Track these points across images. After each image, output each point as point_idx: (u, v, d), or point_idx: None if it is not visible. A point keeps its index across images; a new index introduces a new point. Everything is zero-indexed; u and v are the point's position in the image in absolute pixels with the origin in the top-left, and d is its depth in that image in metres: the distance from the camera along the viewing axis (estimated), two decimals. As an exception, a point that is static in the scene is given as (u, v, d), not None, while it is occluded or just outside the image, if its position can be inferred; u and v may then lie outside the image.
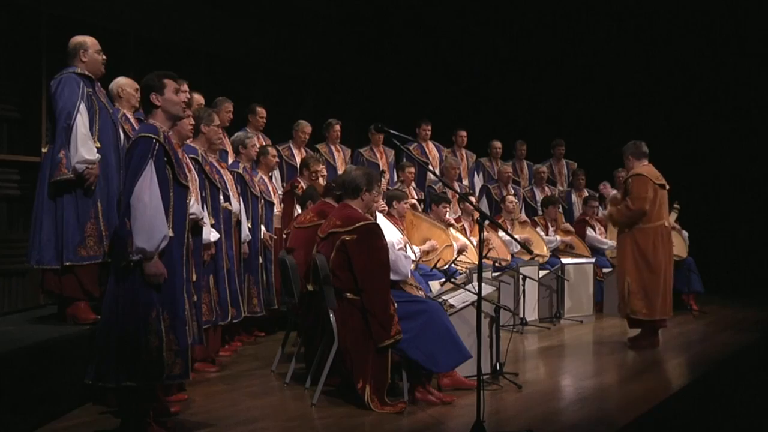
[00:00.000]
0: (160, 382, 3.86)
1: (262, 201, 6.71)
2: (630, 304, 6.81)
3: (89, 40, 4.99)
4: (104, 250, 4.84)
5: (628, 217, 6.82)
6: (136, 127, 4.84)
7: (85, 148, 4.73)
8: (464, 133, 9.99)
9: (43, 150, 5.02)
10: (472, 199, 8.66)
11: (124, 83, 5.41)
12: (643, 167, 6.84)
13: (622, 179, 9.22)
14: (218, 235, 5.40)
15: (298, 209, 7.29)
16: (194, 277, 4.51)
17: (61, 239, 4.77)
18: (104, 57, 5.05)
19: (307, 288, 5.00)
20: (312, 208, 5.80)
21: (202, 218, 4.90)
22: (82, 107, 4.78)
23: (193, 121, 4.95)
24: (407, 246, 6.43)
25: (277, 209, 7.14)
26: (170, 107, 4.00)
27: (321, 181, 7.54)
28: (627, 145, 7.00)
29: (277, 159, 7.36)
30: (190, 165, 4.91)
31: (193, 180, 4.92)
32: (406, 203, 7.08)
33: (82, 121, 4.76)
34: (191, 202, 4.30)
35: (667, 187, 6.90)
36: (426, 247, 7.13)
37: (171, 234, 3.84)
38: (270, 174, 7.29)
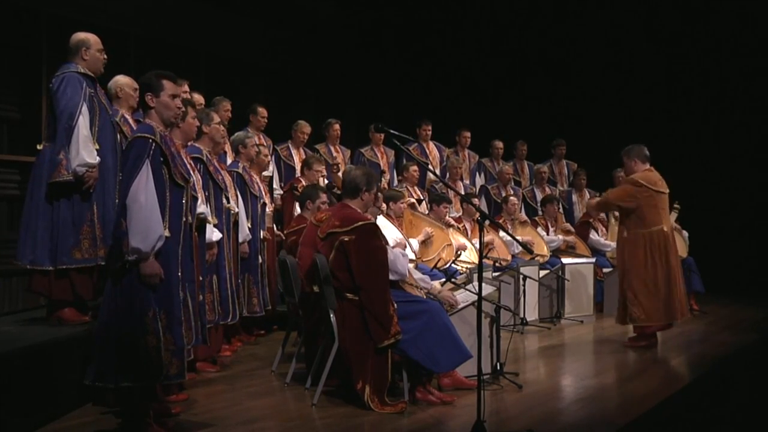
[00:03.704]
0: (158, 381, 3.86)
1: (261, 201, 6.70)
2: (629, 312, 6.77)
3: (92, 38, 4.97)
4: (97, 252, 4.82)
5: (605, 204, 7.18)
6: (135, 128, 4.83)
7: (86, 151, 4.71)
8: (468, 134, 9.98)
9: (38, 147, 4.97)
10: (475, 201, 8.65)
11: (123, 83, 5.38)
12: (645, 172, 6.80)
13: (622, 179, 9.30)
14: (221, 235, 5.39)
15: (297, 208, 7.29)
16: (200, 278, 4.51)
17: (55, 241, 4.76)
18: (105, 57, 5.04)
19: (313, 289, 4.99)
20: (331, 208, 5.77)
21: (209, 216, 4.91)
22: (84, 108, 4.76)
23: (198, 123, 4.94)
24: (406, 244, 6.43)
25: (269, 208, 7.13)
26: (163, 111, 3.96)
27: (321, 181, 7.55)
28: (631, 148, 6.89)
29: (268, 158, 7.36)
30: (193, 165, 4.90)
31: (197, 180, 4.91)
32: (402, 203, 7.08)
33: (84, 122, 4.74)
34: (199, 202, 4.29)
35: (666, 191, 6.86)
36: (421, 237, 7.13)
37: (167, 234, 3.84)
38: (263, 173, 7.26)
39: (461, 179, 9.40)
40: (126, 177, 3.77)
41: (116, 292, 3.80)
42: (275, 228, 7.33)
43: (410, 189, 8.52)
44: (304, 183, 7.34)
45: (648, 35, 11.38)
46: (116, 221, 3.81)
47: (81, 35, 4.97)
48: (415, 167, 8.61)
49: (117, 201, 3.91)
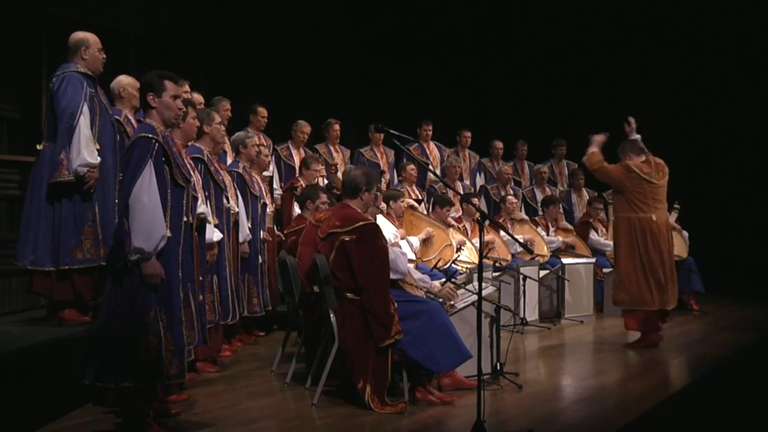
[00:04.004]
0: (159, 381, 3.87)
1: (261, 201, 6.70)
2: (614, 296, 6.93)
3: (91, 38, 4.96)
4: (99, 252, 4.80)
5: (601, 171, 7.00)
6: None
7: (87, 151, 4.70)
8: (468, 134, 9.99)
9: (38, 147, 4.94)
10: (475, 201, 8.65)
11: (126, 83, 5.38)
12: (640, 162, 6.86)
13: None
14: (221, 235, 5.39)
15: (296, 208, 7.29)
16: (200, 278, 4.51)
17: (57, 241, 4.74)
18: (104, 56, 5.03)
19: (313, 288, 5.00)
20: (331, 208, 5.78)
21: (209, 217, 4.90)
22: (85, 108, 4.75)
23: (198, 123, 4.93)
24: (405, 241, 6.44)
25: (270, 209, 7.13)
26: (164, 111, 3.97)
27: (321, 181, 7.55)
28: (624, 144, 7.00)
29: (268, 158, 7.35)
30: (193, 165, 4.90)
31: (197, 180, 4.91)
32: (403, 202, 7.08)
33: (85, 122, 4.73)
34: (199, 202, 4.27)
35: (661, 182, 6.85)
36: (422, 235, 7.14)
37: (169, 234, 3.84)
38: (264, 173, 7.26)
39: (461, 179, 9.40)
40: (129, 176, 3.76)
41: (117, 291, 3.80)
42: (275, 228, 7.33)
43: (408, 189, 8.52)
44: (302, 183, 7.35)
45: (649, 35, 11.37)
46: (119, 220, 3.80)
47: (80, 35, 4.95)
48: (413, 167, 8.62)
49: (117, 200, 3.89)
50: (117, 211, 4.01)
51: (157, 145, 3.83)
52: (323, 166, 7.78)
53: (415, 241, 6.99)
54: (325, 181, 7.78)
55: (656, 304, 6.76)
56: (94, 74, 4.96)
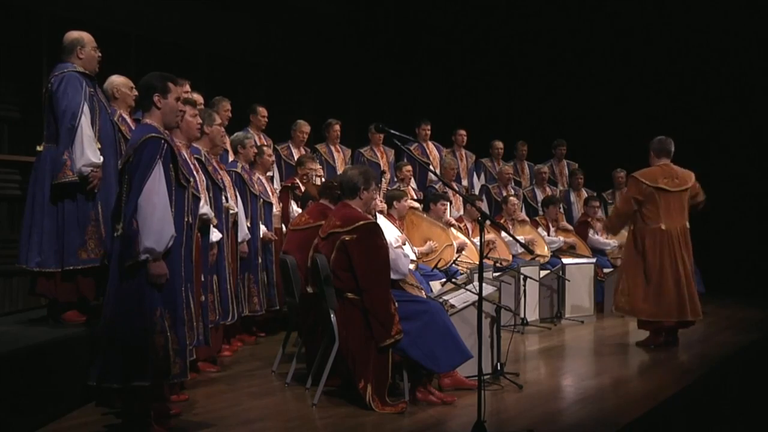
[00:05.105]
0: (167, 380, 3.88)
1: (261, 200, 6.69)
2: (616, 301, 6.93)
3: (86, 37, 4.93)
4: (104, 253, 4.81)
5: (615, 216, 7.15)
6: (133, 128, 4.82)
7: (90, 151, 4.69)
8: (464, 132, 9.99)
9: (38, 148, 4.92)
10: (479, 203, 8.64)
11: (119, 83, 5.35)
12: (656, 167, 6.82)
13: (622, 179, 9.61)
14: (221, 235, 5.39)
15: (294, 206, 7.28)
16: (202, 278, 4.51)
17: (62, 242, 4.74)
18: (100, 54, 5.01)
19: (308, 290, 5.00)
20: (307, 210, 5.80)
21: (212, 217, 4.91)
22: (86, 108, 4.73)
23: (200, 121, 4.93)
24: (406, 244, 6.44)
25: (276, 209, 7.13)
26: (169, 113, 3.98)
27: (318, 181, 7.54)
28: (654, 140, 6.97)
29: (273, 159, 7.34)
30: (197, 166, 4.90)
31: (201, 181, 4.91)
32: (406, 202, 7.08)
33: (86, 122, 4.72)
34: (201, 203, 4.27)
35: (675, 190, 6.79)
36: (425, 249, 7.13)
37: (175, 234, 3.85)
38: (267, 173, 7.26)
39: (458, 179, 9.39)
40: (139, 177, 3.75)
41: (123, 291, 3.80)
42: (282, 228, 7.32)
43: (406, 188, 8.51)
44: (297, 182, 7.36)
45: (649, 35, 11.37)
46: (126, 220, 3.78)
47: (75, 34, 4.92)
48: (409, 167, 8.63)
49: (122, 200, 3.84)
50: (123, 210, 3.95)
51: (166, 145, 3.84)
52: (319, 166, 7.79)
53: (416, 251, 6.98)
54: (323, 180, 7.76)
55: (670, 314, 6.64)
56: (91, 73, 4.94)
